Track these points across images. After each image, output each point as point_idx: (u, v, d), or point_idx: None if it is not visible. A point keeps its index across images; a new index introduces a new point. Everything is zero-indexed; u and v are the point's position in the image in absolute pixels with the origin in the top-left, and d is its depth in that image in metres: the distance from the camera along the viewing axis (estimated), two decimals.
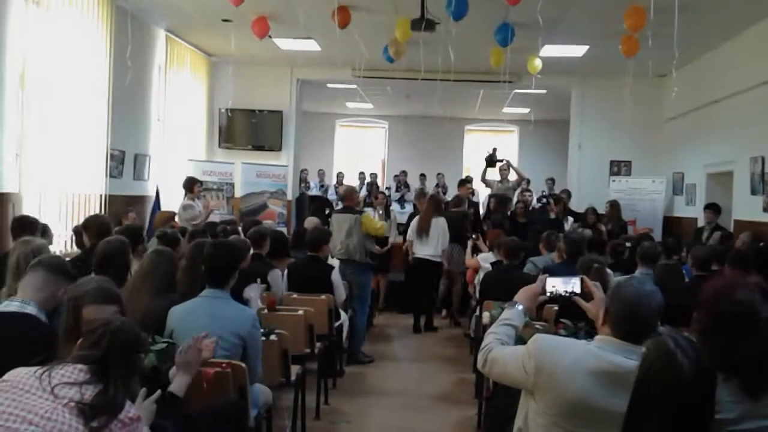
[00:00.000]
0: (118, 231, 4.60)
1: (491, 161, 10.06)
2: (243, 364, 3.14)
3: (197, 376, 2.92)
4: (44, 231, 5.33)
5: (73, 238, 6.51)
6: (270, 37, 8.37)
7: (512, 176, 10.18)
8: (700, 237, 7.77)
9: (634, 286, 2.26)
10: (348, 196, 6.91)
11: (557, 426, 2.20)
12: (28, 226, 4.93)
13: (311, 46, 9.35)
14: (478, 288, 6.35)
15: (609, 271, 4.58)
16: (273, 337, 3.90)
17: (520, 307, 2.70)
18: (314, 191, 14.23)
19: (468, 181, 9.97)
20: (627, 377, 2.12)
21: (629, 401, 1.85)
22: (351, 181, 14.06)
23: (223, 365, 3.07)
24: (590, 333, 3.12)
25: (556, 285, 2.89)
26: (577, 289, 2.69)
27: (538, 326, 4.32)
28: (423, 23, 6.90)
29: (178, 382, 2.77)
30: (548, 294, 2.90)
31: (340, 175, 14.85)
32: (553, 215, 9.07)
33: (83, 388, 1.93)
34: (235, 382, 3.09)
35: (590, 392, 2.12)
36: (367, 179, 14.53)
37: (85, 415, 1.90)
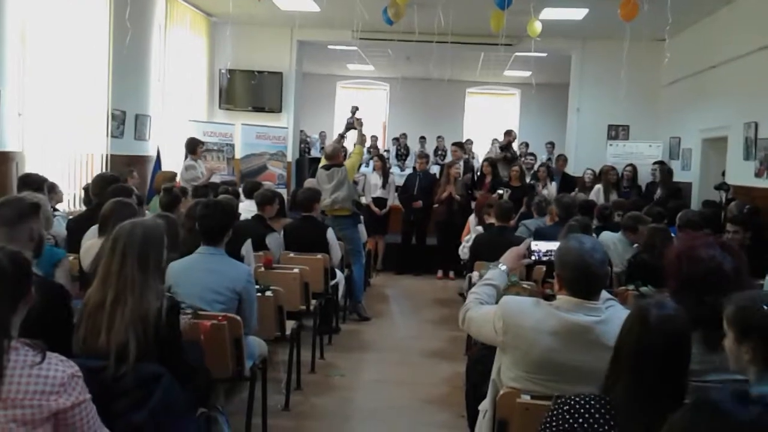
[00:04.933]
0: (112, 191, 4.62)
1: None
2: (238, 317, 3.30)
3: (194, 327, 3.08)
4: (52, 189, 5.45)
5: (82, 195, 6.67)
6: None
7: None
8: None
9: (575, 247, 2.35)
10: (335, 156, 6.90)
11: (525, 380, 2.36)
12: (35, 185, 5.03)
13: (310, 6, 9.32)
14: (467, 248, 6.52)
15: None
16: (268, 293, 4.05)
17: (504, 268, 2.86)
18: (315, 153, 14.31)
19: (458, 144, 9.95)
20: (586, 334, 2.27)
21: (611, 358, 1.95)
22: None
23: (219, 318, 3.23)
24: None
25: (540, 247, 3.05)
26: None
27: (525, 285, 4.48)
28: None
29: None
30: (532, 256, 3.06)
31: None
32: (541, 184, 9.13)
33: None
34: (230, 333, 3.25)
35: (553, 350, 2.26)
36: (368, 142, 14.56)
37: None
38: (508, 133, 10.59)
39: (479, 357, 3.40)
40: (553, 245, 2.83)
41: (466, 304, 2.69)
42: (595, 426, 1.85)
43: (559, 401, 1.93)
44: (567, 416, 1.86)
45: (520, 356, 2.36)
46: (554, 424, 1.89)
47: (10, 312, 1.81)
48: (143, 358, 2.38)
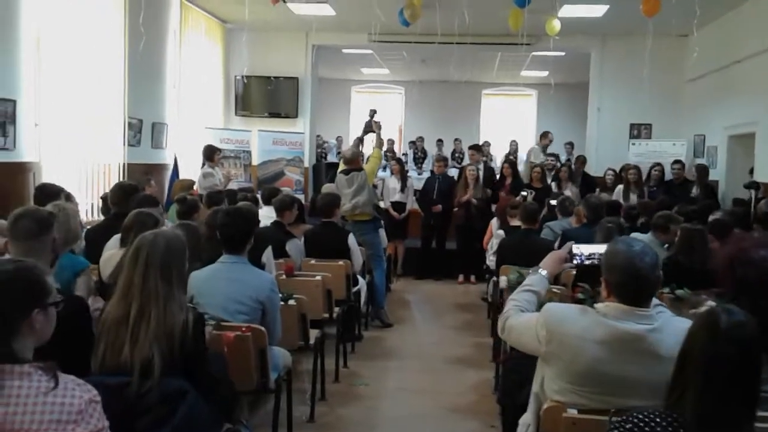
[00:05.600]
0: (137, 201, 4.57)
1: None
2: (262, 328, 3.20)
3: (218, 339, 2.98)
4: (67, 199, 5.39)
5: (100, 205, 6.62)
6: (284, 1, 8.30)
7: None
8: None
9: (623, 250, 2.20)
10: (354, 160, 6.77)
11: (571, 392, 2.22)
12: (52, 195, 4.97)
13: (326, 10, 9.25)
14: (492, 252, 6.38)
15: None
16: (291, 301, 3.95)
17: (544, 273, 2.69)
18: (332, 158, 14.23)
19: (475, 147, 9.77)
20: (637, 343, 2.11)
21: (675, 365, 1.79)
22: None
23: (243, 329, 3.12)
24: None
25: (582, 251, 2.87)
26: None
27: (555, 290, 4.32)
28: None
29: None
30: (574, 260, 2.88)
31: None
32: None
33: None
34: (255, 345, 3.15)
35: (600, 360, 2.11)
36: (385, 146, 14.47)
37: None
38: (545, 135, 10.39)
39: (513, 366, 3.26)
40: (596, 248, 2.67)
41: (505, 311, 2.55)
42: None
43: (618, 419, 1.75)
44: None
45: (563, 367, 2.22)
46: None
47: (10, 333, 1.68)
48: (168, 373, 2.28)
